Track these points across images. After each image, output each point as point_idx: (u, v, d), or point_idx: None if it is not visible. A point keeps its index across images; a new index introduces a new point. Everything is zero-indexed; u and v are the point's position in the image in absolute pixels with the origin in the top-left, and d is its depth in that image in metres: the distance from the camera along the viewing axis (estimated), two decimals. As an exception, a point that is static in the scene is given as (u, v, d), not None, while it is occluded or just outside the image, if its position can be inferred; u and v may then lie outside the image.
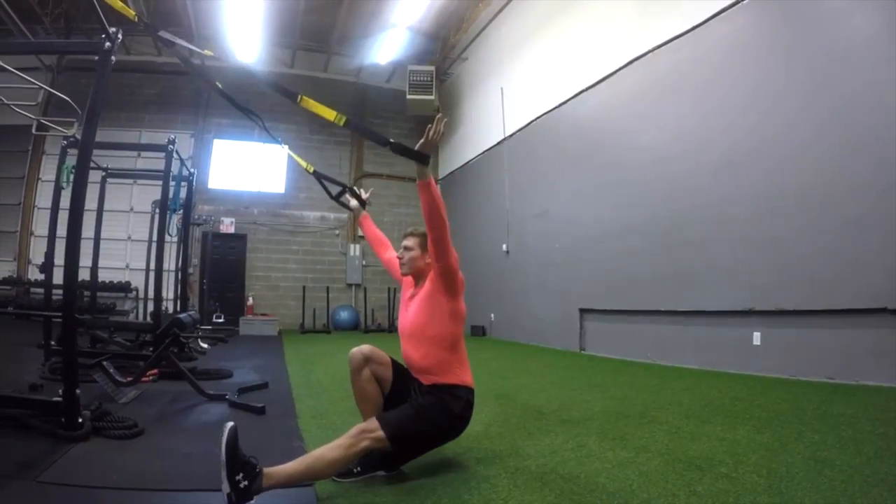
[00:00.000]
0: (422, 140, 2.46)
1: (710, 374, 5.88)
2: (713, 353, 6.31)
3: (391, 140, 2.55)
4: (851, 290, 4.98)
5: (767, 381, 5.24)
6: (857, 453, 2.77)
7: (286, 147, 4.43)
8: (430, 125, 2.46)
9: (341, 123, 2.76)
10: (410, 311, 2.86)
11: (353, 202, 3.55)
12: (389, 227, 14.86)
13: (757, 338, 5.80)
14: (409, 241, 2.91)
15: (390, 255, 3.27)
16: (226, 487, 2.09)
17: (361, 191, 3.59)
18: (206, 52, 3.81)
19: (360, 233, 14.76)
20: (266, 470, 2.23)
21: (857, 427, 3.33)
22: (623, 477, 2.58)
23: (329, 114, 2.71)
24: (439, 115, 2.58)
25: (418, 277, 2.92)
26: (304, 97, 2.78)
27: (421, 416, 2.61)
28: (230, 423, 2.20)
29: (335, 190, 3.64)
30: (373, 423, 2.53)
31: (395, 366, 2.87)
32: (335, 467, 2.43)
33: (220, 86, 3.43)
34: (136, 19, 3.47)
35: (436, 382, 2.72)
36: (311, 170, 3.64)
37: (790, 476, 2.48)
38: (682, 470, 2.65)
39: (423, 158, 2.48)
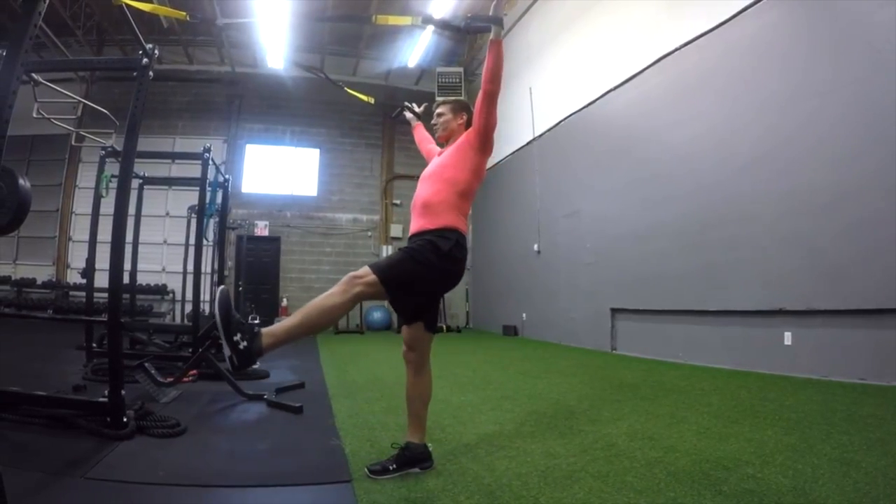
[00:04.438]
0: (494, 2, 2.65)
1: (740, 374, 5.87)
2: (744, 353, 6.29)
3: (467, 17, 2.79)
4: (885, 289, 4.92)
5: (798, 382, 5.22)
6: (884, 455, 2.80)
7: (342, 85, 4.65)
8: None
9: (419, 23, 3.04)
10: (437, 160, 3.03)
11: (409, 114, 3.90)
12: (420, 228, 15.04)
13: (788, 338, 5.78)
14: (442, 108, 3.14)
15: (430, 146, 3.54)
16: (226, 350, 2.17)
17: (415, 105, 3.92)
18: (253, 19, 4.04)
19: (392, 234, 15.03)
20: (264, 330, 2.29)
21: (886, 429, 3.34)
22: (651, 476, 2.65)
23: (405, 20, 2.96)
24: None
25: (449, 139, 3.12)
26: (378, 16, 3.04)
27: (410, 256, 2.62)
28: (221, 287, 2.28)
29: (394, 111, 4.12)
30: (364, 269, 2.53)
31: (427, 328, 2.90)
32: (333, 314, 2.46)
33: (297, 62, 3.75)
34: (189, 17, 3.64)
35: (424, 228, 2.76)
36: (373, 101, 4.19)
37: (815, 477, 2.53)
38: (709, 470, 2.71)
39: (499, 21, 2.68)
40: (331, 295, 2.43)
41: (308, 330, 2.40)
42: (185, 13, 3.54)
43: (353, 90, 4.08)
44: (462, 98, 3.11)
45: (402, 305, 2.73)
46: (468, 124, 3.06)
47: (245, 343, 2.19)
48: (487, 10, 2.64)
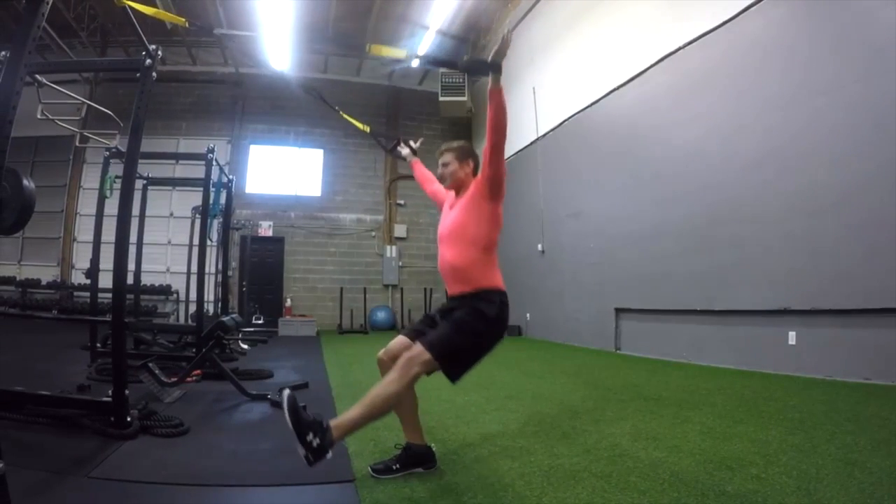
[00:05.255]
0: (494, 49, 2.59)
1: (744, 373, 5.87)
2: (748, 352, 6.28)
3: (464, 58, 2.72)
4: (890, 288, 4.91)
5: (802, 382, 5.22)
6: (889, 455, 2.79)
7: (340, 111, 4.64)
8: (502, 36, 2.60)
9: (411, 61, 3.00)
10: (452, 215, 2.95)
11: (406, 150, 3.83)
12: (425, 229, 15.09)
13: (792, 337, 5.76)
14: (446, 157, 3.04)
15: (436, 187, 3.44)
16: (301, 450, 2.22)
17: (411, 141, 3.86)
18: (256, 33, 4.02)
19: (396, 234, 15.05)
20: (333, 423, 2.35)
21: (891, 429, 3.33)
22: (654, 476, 2.65)
23: (400, 53, 2.92)
24: (508, 29, 2.72)
25: (459, 188, 3.03)
26: (374, 45, 3.01)
27: (460, 329, 2.64)
28: (287, 392, 2.32)
29: (389, 143, 4.04)
30: (417, 347, 2.56)
31: (413, 334, 2.84)
32: (394, 400, 2.51)
33: (283, 71, 3.72)
34: (188, 24, 3.65)
35: (464, 292, 2.77)
36: (368, 129, 4.06)
37: (820, 478, 2.53)
38: (713, 470, 2.71)
39: (497, 67, 2.60)
40: (391, 382, 2.48)
41: (373, 417, 2.49)
42: (184, 20, 3.55)
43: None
44: (465, 143, 3.02)
45: (458, 372, 2.72)
46: (476, 170, 3.02)
47: (318, 440, 2.26)
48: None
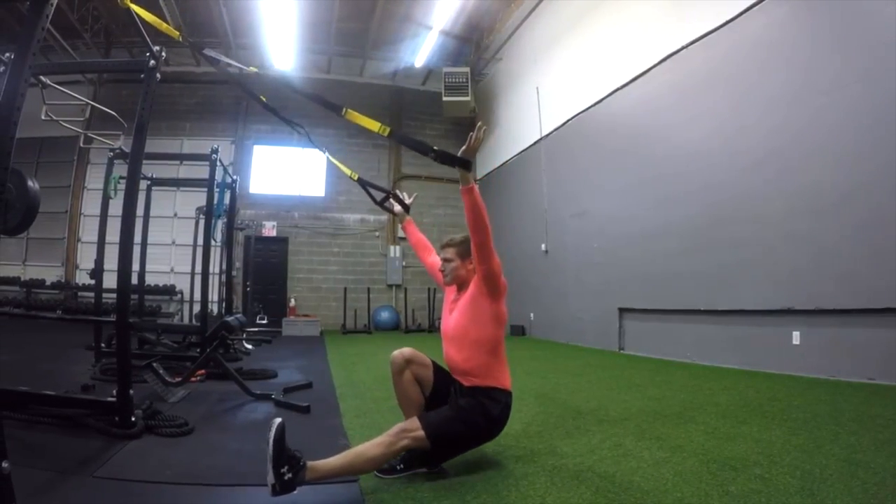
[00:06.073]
0: (463, 147, 2.52)
1: (748, 373, 5.85)
2: (752, 352, 6.27)
3: (434, 148, 2.64)
4: (894, 288, 4.89)
5: (806, 382, 5.21)
6: (893, 455, 2.78)
7: (328, 154, 4.57)
8: (471, 133, 2.53)
9: (385, 134, 2.87)
10: (454, 315, 2.95)
11: (397, 207, 3.69)
12: (429, 228, 14.99)
13: (796, 337, 5.76)
14: (448, 253, 3.00)
15: (434, 259, 3.39)
16: (270, 479, 2.24)
17: (404, 195, 3.72)
18: (252, 68, 3.97)
19: (400, 234, 15.04)
20: (310, 463, 2.37)
21: (895, 429, 3.32)
22: (658, 476, 2.65)
23: (373, 125, 2.83)
24: (479, 124, 2.67)
25: (461, 284, 3.01)
26: (349, 111, 2.90)
27: (460, 417, 2.70)
28: (278, 420, 2.34)
29: (379, 196, 3.80)
30: (413, 422, 2.63)
31: (436, 368, 2.97)
32: (375, 463, 2.55)
33: (264, 99, 3.65)
34: (181, 38, 3.65)
35: (476, 385, 2.81)
36: (356, 177, 3.83)
37: (823, 478, 2.52)
38: (717, 470, 2.70)
39: (466, 164, 2.53)
40: (378, 444, 2.53)
41: (351, 474, 2.56)
42: (178, 33, 3.55)
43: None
44: (468, 239, 2.93)
45: (444, 458, 2.78)
46: None
47: (290, 475, 2.29)
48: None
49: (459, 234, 3.01)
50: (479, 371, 2.82)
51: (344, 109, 2.90)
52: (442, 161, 2.62)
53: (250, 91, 4.34)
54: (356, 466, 2.51)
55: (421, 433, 2.58)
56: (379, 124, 2.83)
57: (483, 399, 2.77)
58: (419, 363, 2.91)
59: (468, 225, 2.65)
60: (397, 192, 3.75)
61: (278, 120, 3.88)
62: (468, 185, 2.56)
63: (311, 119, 14.49)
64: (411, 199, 3.72)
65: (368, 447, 2.53)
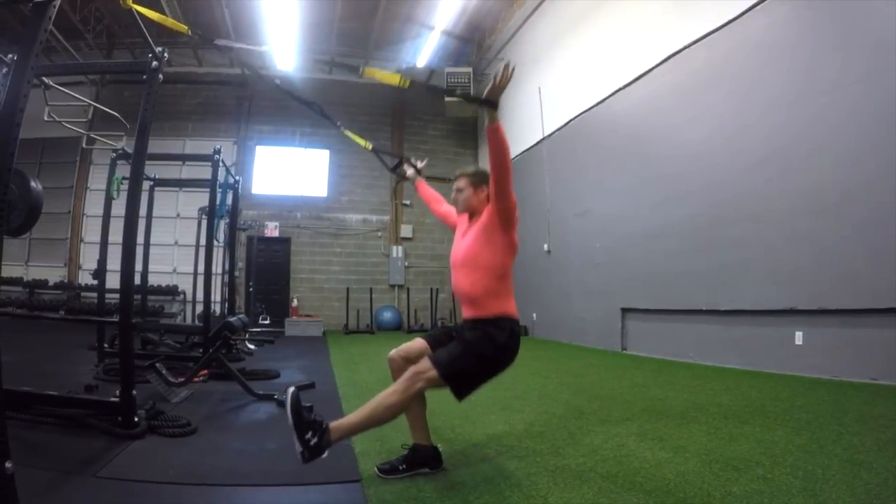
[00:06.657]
0: (489, 86, 2.51)
1: (751, 374, 5.85)
2: (755, 352, 6.26)
3: (457, 92, 2.68)
4: (897, 288, 4.90)
5: (809, 382, 5.20)
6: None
7: (342, 127, 4.61)
8: (498, 72, 2.51)
9: (406, 86, 2.95)
10: (465, 241, 2.95)
11: (410, 171, 3.82)
12: (431, 229, 15.10)
13: (799, 337, 5.75)
14: (460, 183, 3.02)
15: (445, 208, 3.49)
16: (298, 447, 2.27)
17: (417, 161, 3.85)
18: (264, 47, 3.98)
19: (402, 234, 15.07)
20: (332, 424, 2.40)
21: (898, 429, 3.32)
22: (660, 476, 2.65)
23: (393, 78, 2.88)
24: (507, 62, 2.65)
25: (473, 213, 3.03)
26: (367, 68, 2.98)
27: (469, 351, 2.67)
28: (291, 389, 2.38)
29: (392, 162, 4.00)
30: (425, 363, 2.60)
31: (430, 339, 2.95)
32: (396, 410, 2.54)
33: (278, 82, 3.70)
34: (190, 32, 3.65)
35: (478, 316, 2.79)
36: (370, 147, 4.02)
37: (826, 478, 2.52)
38: (719, 470, 2.70)
39: (493, 104, 2.53)
40: (394, 392, 2.53)
41: (372, 425, 2.55)
42: (186, 27, 3.56)
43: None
44: (481, 170, 2.99)
45: (464, 392, 2.75)
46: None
47: (315, 439, 2.32)
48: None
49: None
50: (487, 296, 2.80)
51: (361, 69, 2.97)
52: (469, 101, 2.67)
53: (266, 76, 4.39)
54: (377, 416, 2.51)
55: (434, 373, 2.56)
56: (399, 76, 2.91)
57: (488, 329, 2.74)
58: (416, 352, 2.88)
59: (490, 162, 2.66)
60: (406, 155, 3.90)
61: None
62: (494, 122, 2.56)
63: (317, 120, 14.46)
64: (423, 164, 3.84)
65: (385, 396, 2.53)
